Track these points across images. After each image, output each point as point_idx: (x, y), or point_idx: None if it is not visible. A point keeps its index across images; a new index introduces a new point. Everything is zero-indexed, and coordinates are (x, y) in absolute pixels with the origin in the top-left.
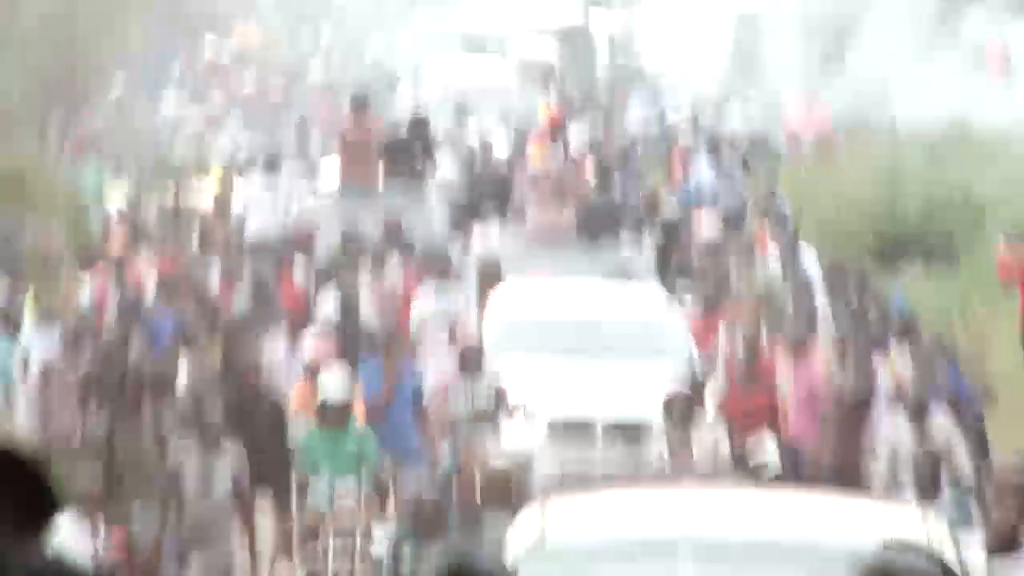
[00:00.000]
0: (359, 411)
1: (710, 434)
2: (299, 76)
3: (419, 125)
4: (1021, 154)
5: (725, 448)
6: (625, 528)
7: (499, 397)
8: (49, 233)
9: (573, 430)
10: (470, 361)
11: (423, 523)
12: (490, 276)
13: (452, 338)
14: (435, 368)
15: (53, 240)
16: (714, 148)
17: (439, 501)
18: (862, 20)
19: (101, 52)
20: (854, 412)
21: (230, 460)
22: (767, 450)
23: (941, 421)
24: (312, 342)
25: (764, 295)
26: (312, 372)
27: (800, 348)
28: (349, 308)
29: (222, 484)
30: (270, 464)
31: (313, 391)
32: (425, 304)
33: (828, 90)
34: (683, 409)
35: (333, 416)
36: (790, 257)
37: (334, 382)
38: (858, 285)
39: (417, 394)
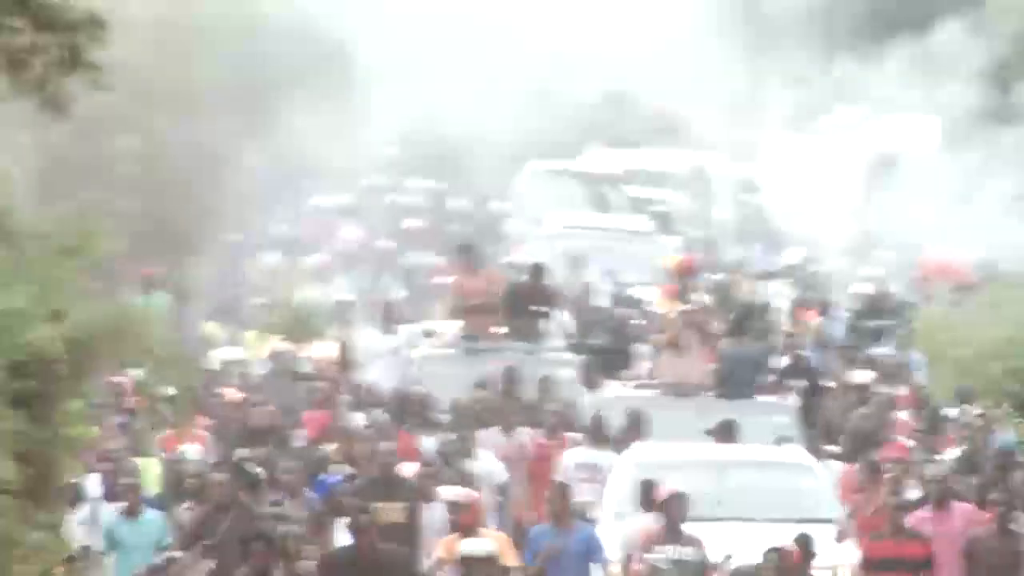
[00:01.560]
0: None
1: None
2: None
3: (538, 274)
4: None
5: None
6: None
7: (702, 557)
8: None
9: None
10: (675, 523)
11: None
12: (634, 431)
13: (645, 499)
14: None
15: (154, 392)
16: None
17: None
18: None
19: (202, 201)
20: (1000, 570)
21: None
22: None
23: None
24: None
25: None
26: (462, 528)
27: (943, 502)
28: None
29: None
30: None
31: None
32: (573, 459)
33: (961, 236)
34: (783, 567)
35: (477, 571)
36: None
37: (478, 539)
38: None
39: (594, 555)
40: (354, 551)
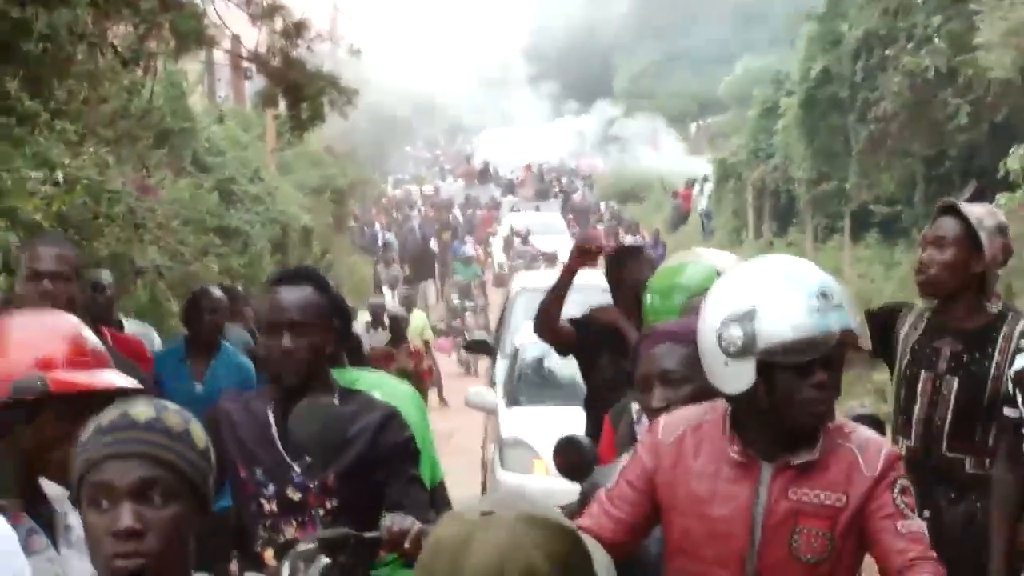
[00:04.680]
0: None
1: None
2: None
3: (487, 164)
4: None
5: None
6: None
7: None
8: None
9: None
10: (524, 237)
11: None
12: (515, 210)
13: (521, 234)
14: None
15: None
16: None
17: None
18: None
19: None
20: None
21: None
22: None
23: None
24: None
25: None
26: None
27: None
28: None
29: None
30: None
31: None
32: (507, 222)
33: None
34: (549, 258)
35: (465, 261)
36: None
37: (467, 248)
38: None
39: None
40: None
